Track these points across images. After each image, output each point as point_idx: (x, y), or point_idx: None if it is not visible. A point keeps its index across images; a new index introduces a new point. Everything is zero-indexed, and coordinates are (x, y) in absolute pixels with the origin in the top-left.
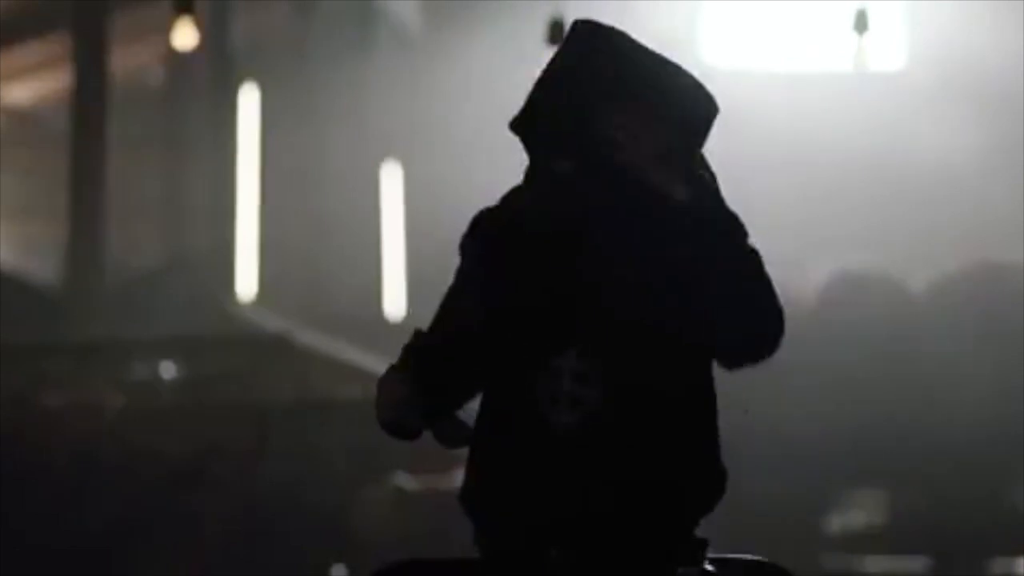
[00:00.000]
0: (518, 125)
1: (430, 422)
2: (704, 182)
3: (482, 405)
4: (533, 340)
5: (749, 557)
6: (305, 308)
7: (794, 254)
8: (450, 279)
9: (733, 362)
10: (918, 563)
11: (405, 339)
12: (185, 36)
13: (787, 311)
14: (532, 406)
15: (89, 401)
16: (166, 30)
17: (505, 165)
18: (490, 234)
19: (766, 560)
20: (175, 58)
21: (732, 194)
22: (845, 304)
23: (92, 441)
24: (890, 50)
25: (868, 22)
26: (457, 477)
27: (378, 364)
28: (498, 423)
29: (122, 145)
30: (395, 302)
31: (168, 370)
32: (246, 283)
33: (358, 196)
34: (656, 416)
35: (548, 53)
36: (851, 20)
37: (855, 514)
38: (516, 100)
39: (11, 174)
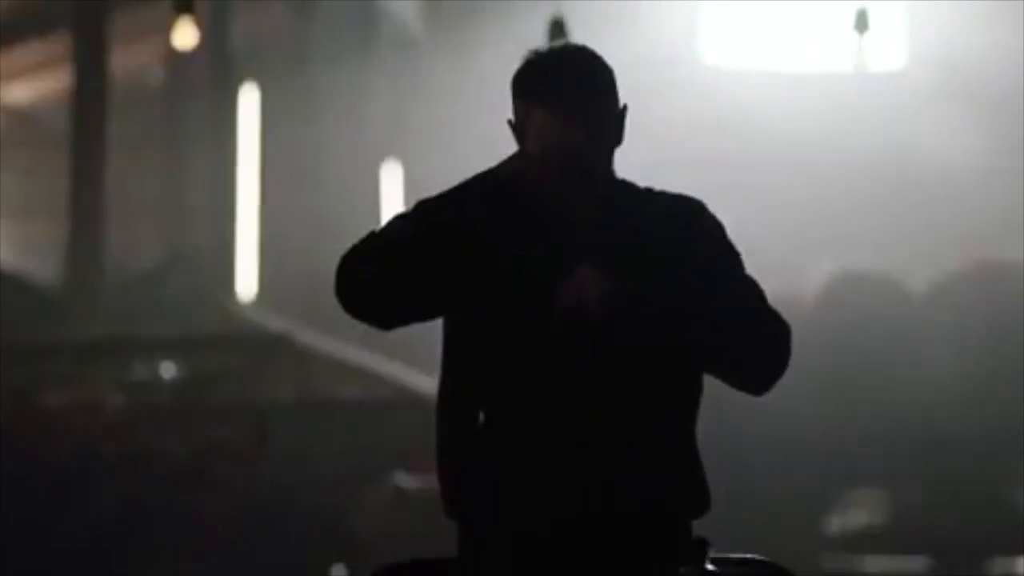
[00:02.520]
0: None
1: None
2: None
3: (473, 411)
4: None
5: (749, 556)
6: (305, 308)
7: (794, 254)
8: None
9: (747, 389)
10: (918, 563)
11: (405, 339)
12: (185, 36)
13: (787, 311)
14: (528, 405)
15: (89, 401)
16: (166, 30)
17: None
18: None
19: (766, 559)
20: (175, 58)
21: (732, 193)
22: (845, 304)
23: (92, 441)
24: (890, 50)
25: (868, 22)
26: None
27: (378, 364)
28: (493, 425)
29: (122, 145)
30: None
31: (168, 370)
32: (246, 283)
33: (358, 196)
34: (647, 417)
35: None
36: (851, 20)
37: (855, 514)
38: None
39: (11, 174)
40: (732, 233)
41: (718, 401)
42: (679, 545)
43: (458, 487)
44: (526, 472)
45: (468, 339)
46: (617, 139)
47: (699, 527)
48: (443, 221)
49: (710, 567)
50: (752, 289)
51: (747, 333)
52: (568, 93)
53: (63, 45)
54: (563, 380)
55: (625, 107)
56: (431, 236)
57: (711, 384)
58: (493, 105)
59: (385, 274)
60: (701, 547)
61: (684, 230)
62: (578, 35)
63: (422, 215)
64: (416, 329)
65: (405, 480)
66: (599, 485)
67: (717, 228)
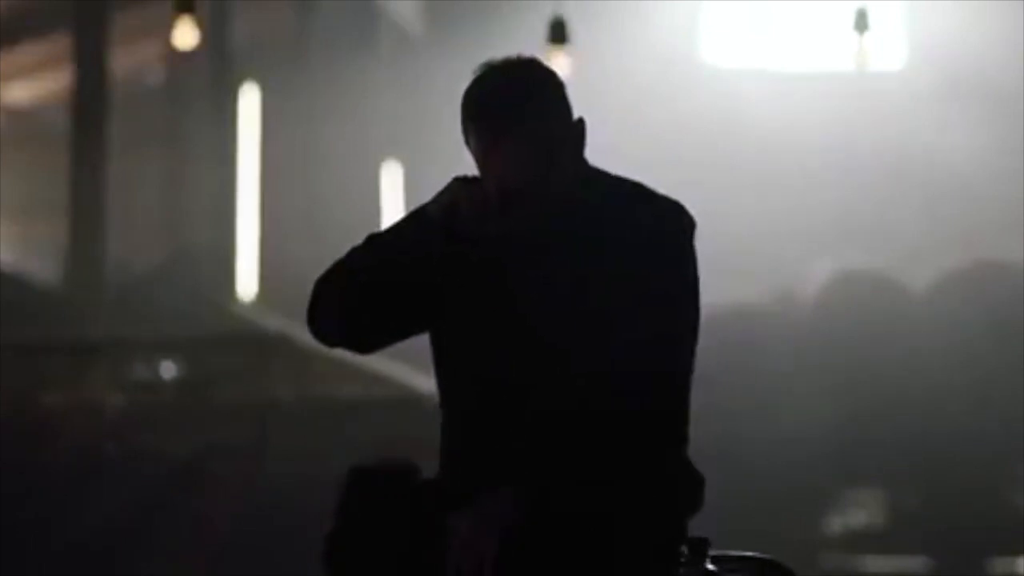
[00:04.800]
0: None
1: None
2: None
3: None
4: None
5: (750, 554)
6: (305, 308)
7: (793, 253)
8: None
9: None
10: (918, 563)
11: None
12: (185, 36)
13: (788, 311)
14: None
15: (89, 401)
16: (166, 30)
17: None
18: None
19: (768, 557)
20: (175, 58)
21: (731, 194)
22: (845, 304)
23: (92, 441)
24: (890, 50)
25: (868, 22)
26: None
27: (378, 364)
28: (480, 425)
29: (122, 145)
30: None
31: (168, 370)
32: (246, 283)
33: (358, 196)
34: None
35: (549, 53)
36: (851, 20)
37: (855, 514)
38: None
39: (11, 174)
40: (732, 232)
41: (719, 401)
42: (673, 546)
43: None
44: (516, 472)
45: (444, 355)
46: (571, 149)
47: (700, 527)
48: (392, 257)
49: (710, 566)
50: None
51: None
52: (492, 120)
53: (63, 45)
54: (546, 379)
55: (581, 120)
56: (384, 270)
57: (711, 385)
58: None
59: (350, 305)
60: (701, 546)
61: (638, 242)
62: (578, 35)
63: (374, 250)
64: None
65: None
66: (590, 483)
67: (665, 243)
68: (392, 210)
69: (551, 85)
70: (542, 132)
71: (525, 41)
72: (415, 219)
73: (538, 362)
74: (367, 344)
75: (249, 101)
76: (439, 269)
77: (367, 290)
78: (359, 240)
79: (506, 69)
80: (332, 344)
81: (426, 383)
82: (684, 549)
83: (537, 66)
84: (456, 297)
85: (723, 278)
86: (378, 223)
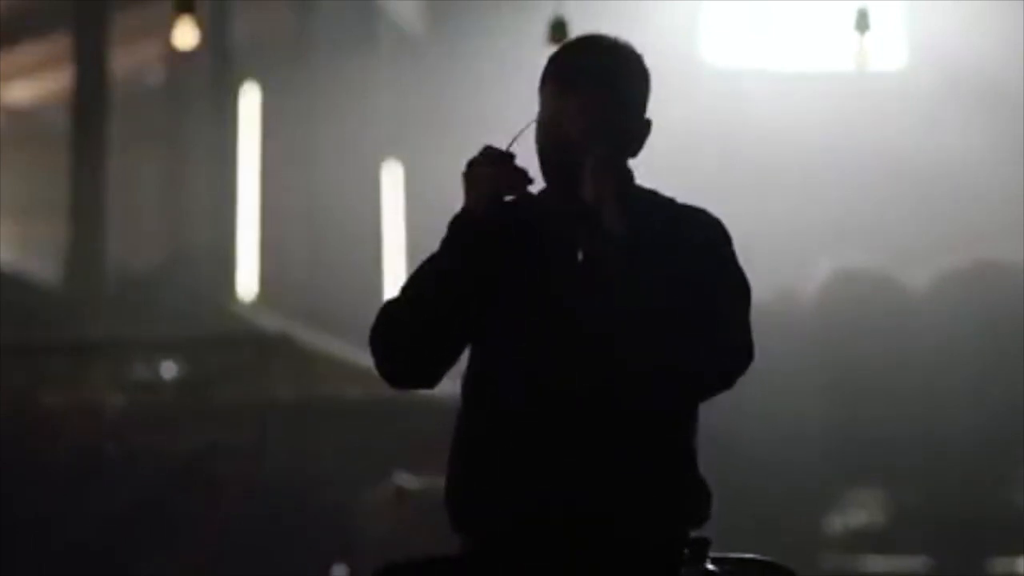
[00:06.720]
0: None
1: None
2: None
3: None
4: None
5: (751, 556)
6: (305, 308)
7: (794, 253)
8: None
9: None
10: (918, 563)
11: None
12: (185, 35)
13: (788, 310)
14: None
15: (89, 401)
16: (166, 30)
17: None
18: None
19: (768, 559)
20: (175, 57)
21: (731, 194)
22: (845, 304)
23: (92, 441)
24: (890, 50)
25: (868, 22)
26: None
27: None
28: (494, 427)
29: (122, 145)
30: None
31: (168, 370)
32: (246, 283)
33: (358, 196)
34: (646, 424)
35: (548, 53)
36: (851, 20)
37: (855, 514)
38: (516, 99)
39: (11, 174)
40: (731, 232)
41: (718, 401)
42: (675, 550)
43: (459, 487)
44: (523, 474)
45: (484, 350)
46: (630, 142)
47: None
48: (457, 271)
49: (710, 567)
50: (720, 310)
51: (688, 344)
52: (571, 70)
53: (63, 45)
54: (563, 385)
55: (649, 121)
56: (450, 292)
57: None
58: (493, 104)
59: (433, 349)
60: (701, 546)
61: (684, 227)
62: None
63: (431, 279)
64: None
65: (405, 480)
66: (596, 490)
67: (720, 240)
68: (392, 210)
69: (640, 76)
70: (610, 96)
71: (525, 41)
72: (453, 231)
73: (582, 359)
74: (439, 378)
75: (249, 101)
76: (493, 258)
77: (445, 329)
78: (359, 240)
79: (606, 42)
80: (409, 387)
81: None
82: (685, 550)
83: (634, 56)
84: (505, 294)
85: None
86: (378, 223)
